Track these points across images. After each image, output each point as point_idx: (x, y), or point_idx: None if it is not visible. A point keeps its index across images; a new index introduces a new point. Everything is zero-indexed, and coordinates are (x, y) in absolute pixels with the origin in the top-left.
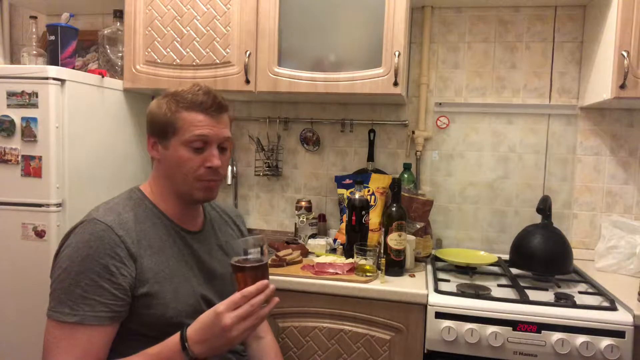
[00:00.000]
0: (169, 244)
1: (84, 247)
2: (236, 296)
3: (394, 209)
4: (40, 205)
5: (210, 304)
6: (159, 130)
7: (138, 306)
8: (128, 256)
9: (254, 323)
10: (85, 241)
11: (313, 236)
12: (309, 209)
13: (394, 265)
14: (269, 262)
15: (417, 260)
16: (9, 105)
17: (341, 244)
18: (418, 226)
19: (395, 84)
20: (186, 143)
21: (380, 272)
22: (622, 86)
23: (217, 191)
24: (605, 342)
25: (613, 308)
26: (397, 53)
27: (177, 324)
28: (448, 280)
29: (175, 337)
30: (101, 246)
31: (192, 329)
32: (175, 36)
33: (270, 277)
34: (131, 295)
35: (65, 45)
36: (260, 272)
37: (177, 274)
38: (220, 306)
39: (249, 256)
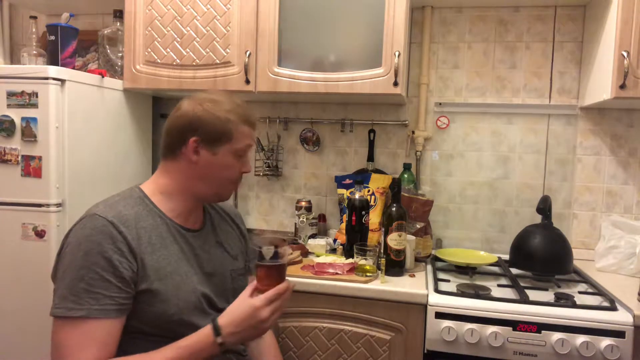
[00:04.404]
0: (170, 242)
1: (85, 242)
2: (270, 294)
3: (394, 209)
4: (40, 205)
5: (210, 302)
6: (212, 135)
7: (139, 302)
8: (129, 252)
9: (279, 315)
10: (86, 236)
11: (313, 236)
12: (309, 209)
13: (394, 265)
14: None
15: (417, 260)
16: (9, 105)
17: (341, 244)
18: (418, 226)
19: (395, 84)
20: (236, 151)
21: (380, 272)
22: (622, 86)
23: None
24: (605, 342)
25: (613, 308)
26: (397, 53)
27: (177, 321)
28: (448, 280)
29: (206, 329)
30: (104, 240)
31: (225, 321)
32: (175, 36)
33: None
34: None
35: (65, 45)
36: (283, 271)
37: (178, 271)
38: (257, 301)
39: (274, 257)
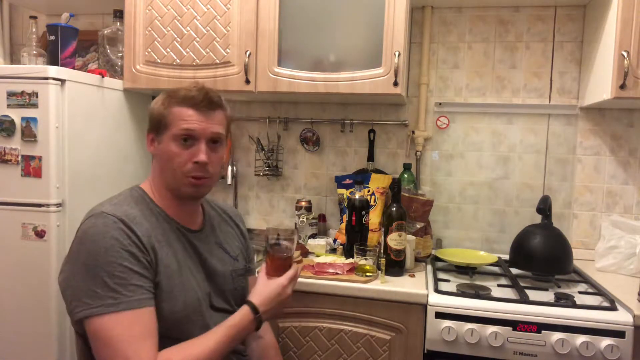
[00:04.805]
0: (173, 240)
1: (103, 239)
2: (290, 274)
3: (394, 209)
4: (40, 205)
5: (212, 301)
6: (154, 126)
7: None
8: (143, 247)
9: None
10: (102, 233)
11: (313, 236)
12: (309, 209)
13: (394, 265)
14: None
15: (417, 260)
16: (9, 105)
17: (341, 244)
18: (418, 226)
19: (395, 84)
20: (175, 137)
21: (380, 272)
22: (622, 86)
23: (207, 189)
24: (605, 342)
25: (613, 308)
26: (397, 53)
27: (181, 319)
28: (448, 280)
29: (244, 310)
30: (120, 236)
31: (258, 300)
32: (175, 36)
33: None
34: None
35: (65, 45)
36: (291, 255)
37: (183, 269)
38: (284, 280)
39: (281, 245)
